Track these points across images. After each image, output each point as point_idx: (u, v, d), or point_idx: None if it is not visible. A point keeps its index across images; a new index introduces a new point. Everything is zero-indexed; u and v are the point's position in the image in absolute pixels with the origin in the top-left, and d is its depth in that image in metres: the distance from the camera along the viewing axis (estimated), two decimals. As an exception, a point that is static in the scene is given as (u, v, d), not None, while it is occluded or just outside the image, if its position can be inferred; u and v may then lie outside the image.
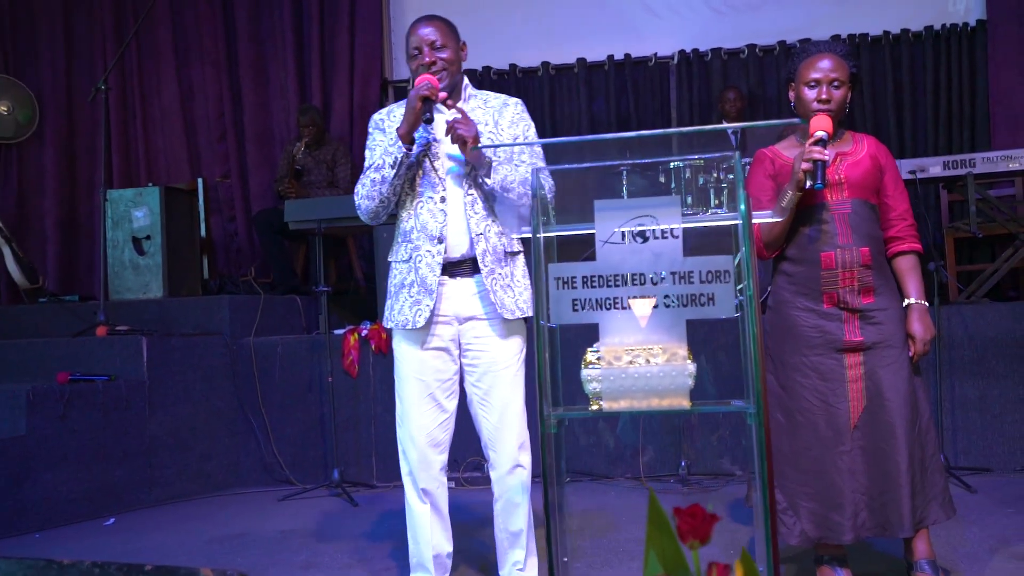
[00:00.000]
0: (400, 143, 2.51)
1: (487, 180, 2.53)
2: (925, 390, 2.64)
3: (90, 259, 6.57)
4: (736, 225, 1.89)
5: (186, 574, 1.41)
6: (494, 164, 2.53)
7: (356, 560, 3.36)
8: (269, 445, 4.96)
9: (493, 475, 2.70)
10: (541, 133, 6.58)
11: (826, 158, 2.42)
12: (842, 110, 2.60)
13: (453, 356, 2.65)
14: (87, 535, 4.03)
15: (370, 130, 2.72)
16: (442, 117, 2.60)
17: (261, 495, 4.73)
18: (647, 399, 1.79)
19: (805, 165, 2.42)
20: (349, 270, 6.31)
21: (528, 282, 2.70)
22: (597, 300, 1.81)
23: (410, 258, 2.61)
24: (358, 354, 4.88)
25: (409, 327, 2.59)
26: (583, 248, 1.93)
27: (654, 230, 1.79)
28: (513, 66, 6.69)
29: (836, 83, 2.56)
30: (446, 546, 2.72)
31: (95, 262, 5.77)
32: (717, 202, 5.55)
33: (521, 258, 2.72)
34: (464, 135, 2.46)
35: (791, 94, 2.66)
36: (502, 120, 2.68)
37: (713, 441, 4.54)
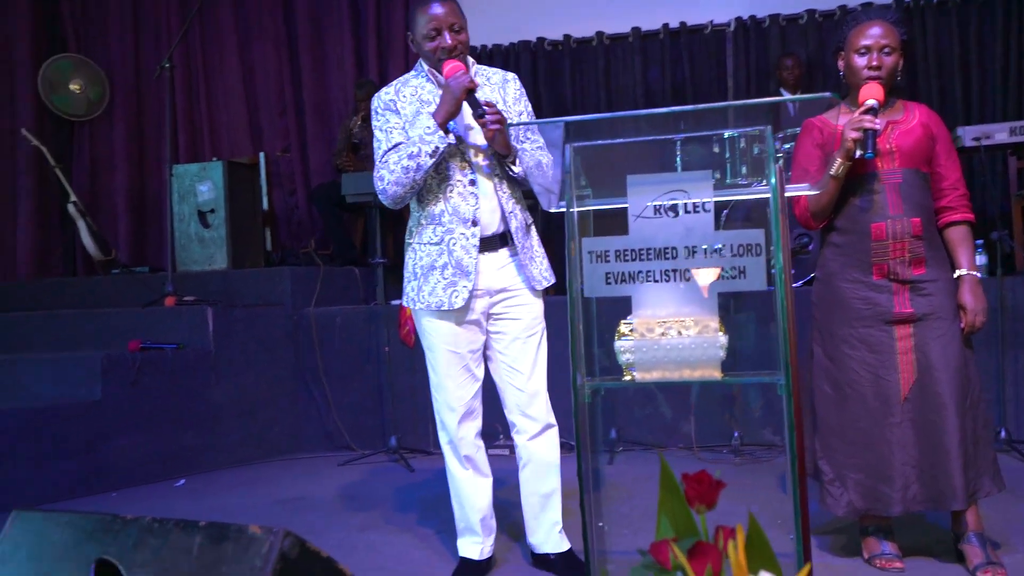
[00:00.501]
0: (440, 132, 2.51)
1: (514, 167, 2.58)
2: (976, 363, 2.61)
3: (159, 232, 6.81)
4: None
5: (236, 531, 1.52)
6: (517, 151, 2.58)
7: (410, 522, 3.48)
8: (330, 412, 5.12)
9: (521, 439, 2.75)
10: (595, 104, 6.61)
11: (877, 127, 2.40)
12: (893, 78, 2.56)
13: (483, 327, 2.71)
14: (159, 495, 4.24)
15: (379, 111, 2.67)
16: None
17: (322, 460, 4.89)
18: (679, 370, 1.84)
19: (854, 134, 2.41)
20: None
21: (543, 252, 2.78)
22: (629, 273, 1.85)
23: (441, 240, 2.63)
24: (414, 324, 4.98)
25: (445, 308, 2.62)
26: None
27: (686, 204, 1.82)
28: (567, 36, 6.67)
29: (887, 50, 2.52)
30: (489, 508, 2.81)
31: (163, 235, 5.98)
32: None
33: (534, 229, 2.78)
34: (499, 126, 2.50)
35: (840, 63, 2.64)
36: (507, 97, 2.71)
37: (755, 412, 4.55)
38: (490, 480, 2.83)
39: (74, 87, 6.87)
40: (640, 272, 1.85)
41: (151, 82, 6.91)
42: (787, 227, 1.79)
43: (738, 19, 6.41)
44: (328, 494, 4.04)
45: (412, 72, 2.73)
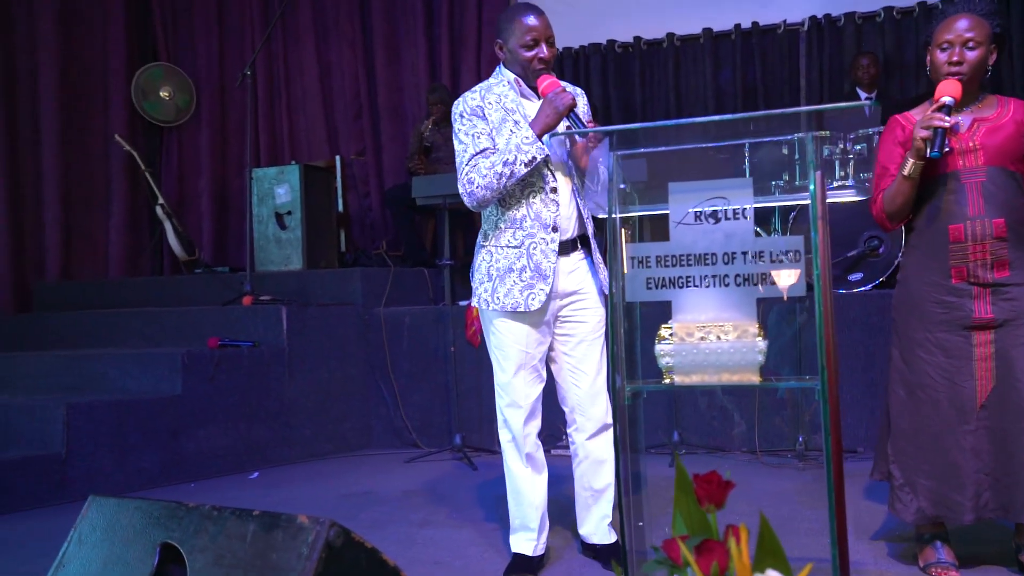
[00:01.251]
0: (539, 143, 2.61)
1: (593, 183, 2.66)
2: None
3: (240, 233, 7.07)
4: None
5: (286, 520, 1.62)
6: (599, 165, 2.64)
7: (469, 519, 3.56)
8: (398, 410, 5.25)
9: (579, 437, 2.82)
10: (664, 106, 6.60)
11: (946, 125, 2.34)
12: (978, 73, 2.48)
13: (551, 328, 2.80)
14: (234, 487, 4.41)
15: (465, 115, 2.74)
16: (535, 106, 2.72)
17: (390, 456, 5.02)
18: (718, 374, 1.87)
19: (924, 133, 2.37)
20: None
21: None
22: (670, 279, 1.89)
23: (521, 244, 2.71)
24: (480, 325, 5.07)
25: (521, 310, 2.70)
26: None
27: (726, 211, 1.85)
28: (637, 39, 6.68)
29: (971, 44, 2.44)
30: (544, 505, 2.88)
31: (243, 236, 6.22)
32: (843, 174, 5.40)
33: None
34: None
35: (928, 59, 2.56)
36: (577, 110, 2.75)
37: (806, 416, 4.49)
38: (546, 476, 2.89)
39: (164, 94, 7.19)
40: (680, 277, 1.89)
41: (235, 88, 7.18)
42: (827, 233, 1.80)
43: (812, 18, 6.32)
44: (393, 490, 4.16)
45: (494, 79, 2.82)
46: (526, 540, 2.87)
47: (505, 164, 2.62)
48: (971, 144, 2.47)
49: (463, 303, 5.19)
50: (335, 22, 7.27)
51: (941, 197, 2.49)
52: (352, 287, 5.48)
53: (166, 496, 4.13)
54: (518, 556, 2.87)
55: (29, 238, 6.55)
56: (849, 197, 2.07)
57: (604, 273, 2.79)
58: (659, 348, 1.91)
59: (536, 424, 2.84)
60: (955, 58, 2.45)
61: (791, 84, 6.38)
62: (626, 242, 1.94)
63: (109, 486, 4.18)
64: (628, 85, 6.68)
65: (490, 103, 2.74)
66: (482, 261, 2.81)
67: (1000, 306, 2.46)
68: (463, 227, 6.44)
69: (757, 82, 6.42)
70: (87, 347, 5.31)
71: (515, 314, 2.74)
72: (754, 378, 1.85)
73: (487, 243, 2.81)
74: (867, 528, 3.11)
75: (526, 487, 2.85)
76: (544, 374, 2.84)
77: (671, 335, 1.90)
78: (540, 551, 2.87)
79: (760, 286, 1.84)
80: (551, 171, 2.72)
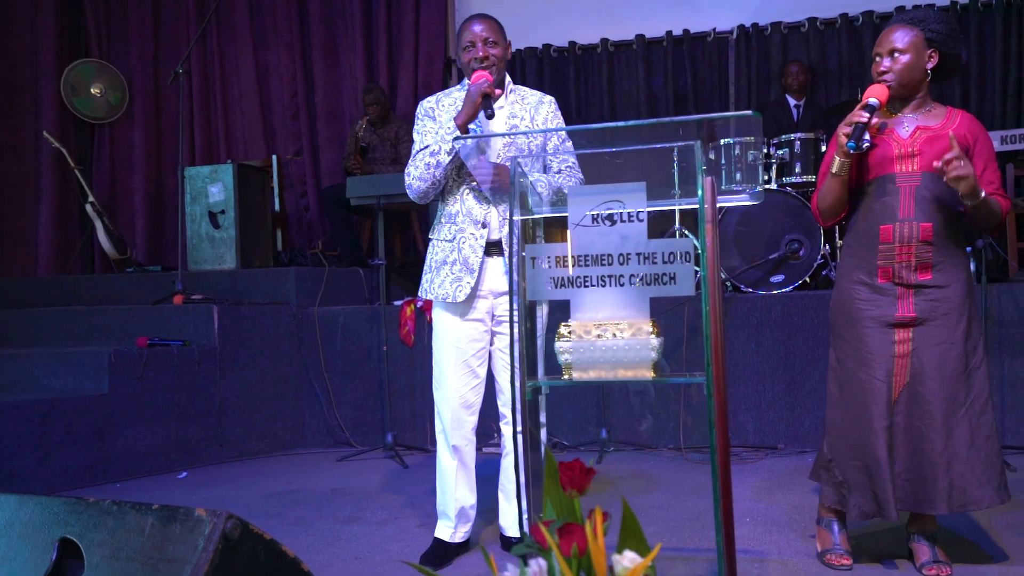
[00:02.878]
0: (458, 132, 2.72)
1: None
2: (987, 372, 2.58)
3: (174, 232, 7.00)
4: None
5: (184, 513, 1.65)
6: (533, 184, 2.68)
7: (394, 516, 3.60)
8: (331, 409, 5.26)
9: (508, 431, 2.93)
10: (599, 110, 6.71)
11: (863, 120, 2.44)
12: (911, 78, 2.55)
13: (487, 326, 2.88)
14: (161, 486, 4.39)
15: (419, 116, 2.92)
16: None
17: (322, 455, 5.04)
18: (614, 370, 1.94)
19: (845, 129, 2.47)
20: (413, 244, 6.56)
21: None
22: (568, 278, 1.96)
23: (454, 238, 2.84)
24: (414, 324, 5.12)
25: (449, 300, 2.83)
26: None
27: (621, 213, 1.93)
28: (572, 43, 6.78)
29: (897, 52, 2.54)
30: (469, 499, 2.97)
31: (178, 235, 6.17)
32: (766, 178, 5.54)
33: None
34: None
35: None
36: (537, 116, 2.89)
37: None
38: (471, 474, 2.98)
39: (95, 91, 7.09)
40: (578, 277, 1.96)
41: (169, 86, 7.11)
42: (715, 235, 1.89)
43: (740, 27, 6.49)
44: (322, 488, 4.18)
45: (456, 86, 2.94)
46: (444, 527, 2.97)
47: (432, 155, 2.78)
48: (910, 150, 2.55)
49: (397, 303, 5.23)
50: (272, 24, 7.25)
51: (876, 199, 2.58)
52: (286, 286, 5.48)
53: (92, 495, 4.09)
54: (436, 541, 2.97)
55: (-45, 236, 6.43)
56: (685, 206, 2.11)
57: None
58: (558, 345, 1.98)
59: (468, 419, 2.92)
60: (881, 68, 2.56)
61: (721, 90, 6.54)
62: (526, 243, 2.01)
63: (32, 485, 4.14)
64: (563, 89, 6.78)
65: (444, 106, 2.87)
66: (428, 254, 2.96)
67: (921, 306, 2.54)
68: (399, 227, 6.48)
69: (688, 88, 6.56)
70: (13, 346, 5.22)
71: (448, 306, 2.87)
72: (648, 374, 1.93)
73: (431, 236, 2.96)
74: (798, 526, 3.19)
75: (448, 477, 2.94)
76: (481, 372, 2.91)
77: (570, 332, 1.97)
78: (458, 539, 2.96)
79: (653, 286, 1.92)
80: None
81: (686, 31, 6.57)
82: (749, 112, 1.78)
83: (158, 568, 1.59)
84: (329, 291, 5.54)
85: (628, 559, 1.11)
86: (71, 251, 6.94)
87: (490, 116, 2.69)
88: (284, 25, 7.21)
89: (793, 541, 3.00)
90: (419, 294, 2.97)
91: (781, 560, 2.81)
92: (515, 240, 1.93)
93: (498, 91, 2.79)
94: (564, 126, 2.94)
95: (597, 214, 1.94)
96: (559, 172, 2.82)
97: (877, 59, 2.59)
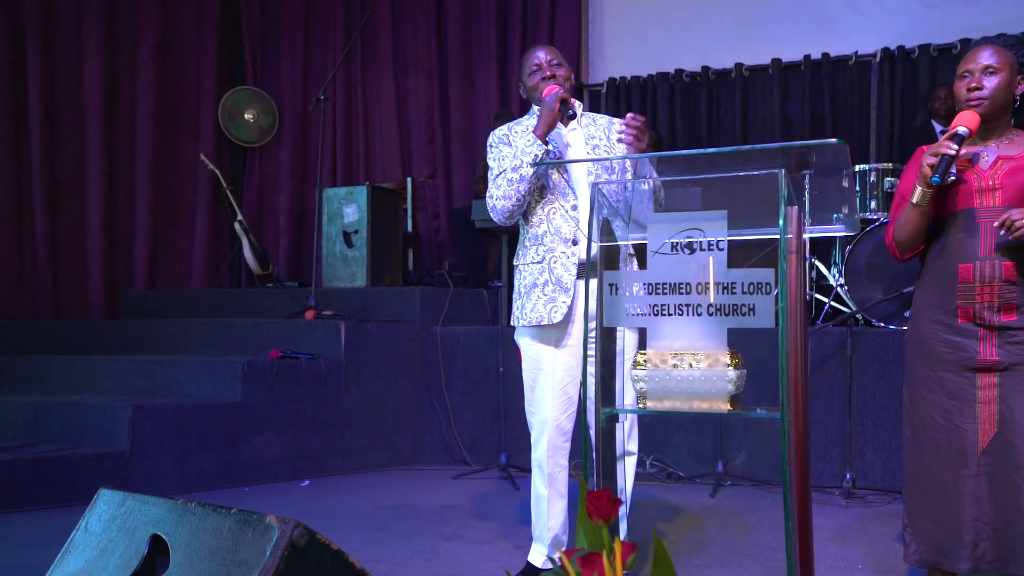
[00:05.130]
0: (539, 142, 2.75)
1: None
2: None
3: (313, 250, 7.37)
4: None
5: (257, 519, 1.74)
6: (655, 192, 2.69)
7: (496, 536, 3.63)
8: (450, 427, 5.36)
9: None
10: (731, 136, 6.58)
11: (951, 152, 2.30)
12: (1002, 101, 2.42)
13: (580, 351, 2.84)
14: (285, 493, 4.60)
15: (493, 144, 2.95)
16: (563, 131, 2.84)
17: (439, 472, 5.14)
18: (689, 401, 1.91)
19: (931, 160, 2.34)
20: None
21: None
22: (646, 306, 1.94)
23: (543, 259, 2.83)
24: (528, 346, 5.15)
25: (545, 323, 2.80)
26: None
27: (701, 242, 1.90)
28: (706, 68, 6.69)
29: (991, 70, 2.40)
30: (562, 525, 2.95)
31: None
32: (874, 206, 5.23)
33: (635, 260, 2.87)
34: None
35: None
36: (612, 137, 2.89)
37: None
38: (564, 501, 2.95)
39: (248, 116, 7.57)
40: (656, 305, 1.94)
41: (316, 111, 7.50)
42: (799, 267, 1.83)
43: (885, 49, 6.21)
44: (432, 504, 4.26)
45: (525, 116, 2.99)
46: (537, 552, 2.97)
47: (514, 170, 2.78)
48: (991, 183, 2.41)
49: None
50: (413, 51, 7.54)
51: (954, 235, 2.44)
52: (411, 305, 5.64)
53: (222, 498, 4.34)
54: (528, 565, 2.98)
55: (120, 249, 6.98)
56: (850, 231, 2.06)
57: None
58: (634, 373, 1.96)
59: (563, 447, 2.89)
60: (973, 84, 2.41)
61: (861, 115, 6.29)
62: (607, 269, 2.00)
63: (169, 485, 4.42)
64: (695, 114, 6.69)
65: (517, 132, 2.90)
66: (516, 280, 2.95)
67: (1006, 349, 2.39)
68: (524, 250, 6.54)
69: (826, 113, 6.34)
70: (162, 353, 5.61)
71: (541, 331, 2.84)
72: (724, 406, 1.89)
73: (517, 262, 2.96)
74: (880, 571, 3.04)
75: (542, 505, 2.93)
76: (575, 398, 2.88)
77: (646, 361, 1.95)
78: (550, 565, 2.93)
79: (731, 316, 1.87)
80: (573, 189, 2.81)
81: (825, 54, 6.36)
82: (834, 140, 1.72)
83: (230, 570, 1.68)
84: (452, 311, 5.66)
85: (653, 595, 1.09)
86: (221, 266, 7.41)
87: (571, 117, 2.73)
88: (424, 51, 7.49)
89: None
90: (512, 323, 2.96)
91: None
92: (596, 265, 1.92)
93: (574, 99, 2.80)
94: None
95: (676, 242, 1.91)
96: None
97: (966, 77, 2.44)
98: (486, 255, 6.62)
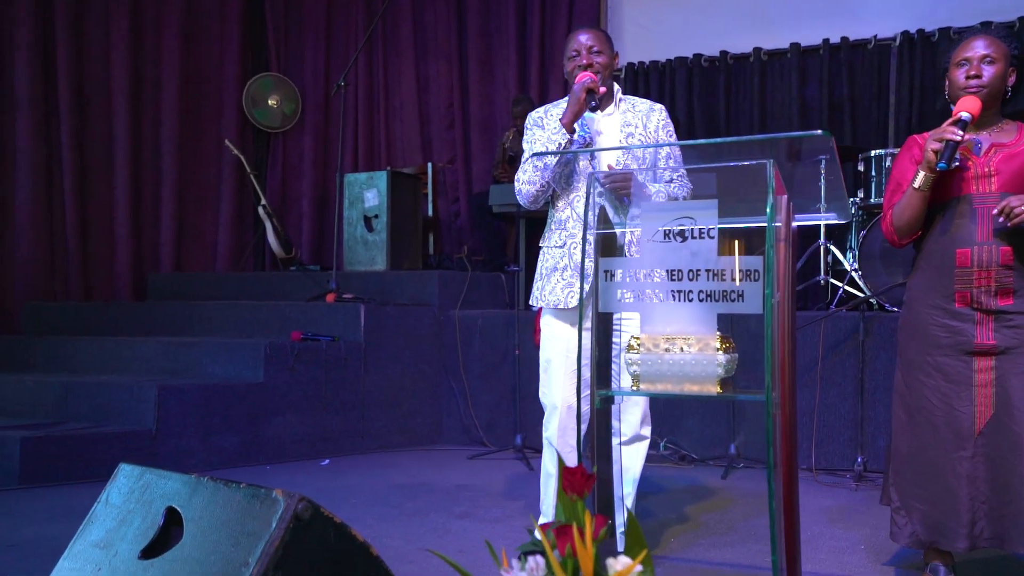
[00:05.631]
0: (563, 131, 2.79)
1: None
2: None
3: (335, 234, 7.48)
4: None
5: (265, 493, 1.83)
6: (647, 192, 2.72)
7: (507, 515, 3.73)
8: (467, 408, 5.47)
9: (615, 441, 2.92)
10: (748, 120, 6.58)
11: (957, 138, 2.35)
12: (997, 91, 2.48)
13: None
14: (305, 472, 4.72)
15: (528, 127, 3.02)
16: (598, 117, 2.89)
17: (456, 452, 5.25)
18: (680, 384, 1.98)
19: (935, 145, 2.38)
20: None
21: None
22: (639, 292, 2.01)
23: (564, 244, 2.91)
24: (545, 329, 5.22)
25: (561, 307, 2.89)
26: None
27: (692, 230, 1.96)
28: (724, 52, 6.68)
29: (988, 59, 2.45)
30: None
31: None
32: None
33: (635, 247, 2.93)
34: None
35: (946, 83, 2.58)
36: (649, 124, 2.91)
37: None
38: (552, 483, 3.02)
39: (272, 102, 7.68)
40: (648, 291, 2.00)
41: (337, 97, 7.59)
42: (787, 255, 1.89)
43: (905, 33, 6.17)
44: (447, 483, 4.36)
45: (565, 97, 2.99)
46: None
47: (538, 157, 2.84)
48: (987, 169, 2.46)
49: (534, 308, 5.35)
50: (433, 38, 7.60)
51: (951, 220, 2.49)
52: (430, 289, 5.73)
53: (243, 476, 4.46)
54: (534, 539, 3.02)
55: (147, 233, 7.14)
56: (841, 220, 2.12)
57: None
58: (628, 357, 2.03)
59: (572, 428, 2.92)
60: (972, 72, 2.46)
61: (880, 100, 6.26)
62: (603, 255, 2.07)
63: (192, 463, 4.56)
64: (713, 99, 6.70)
65: (552, 115, 2.94)
66: (539, 262, 3.03)
67: (1003, 333, 2.44)
68: (540, 234, 6.60)
69: (844, 97, 6.32)
70: (187, 335, 5.76)
71: (559, 313, 2.93)
72: (713, 389, 1.95)
73: (542, 244, 3.04)
74: (881, 553, 3.09)
75: (550, 484, 3.01)
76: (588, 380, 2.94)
77: (639, 345, 2.01)
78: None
79: (720, 302, 1.93)
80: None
81: (844, 39, 6.33)
82: (819, 132, 1.77)
83: (239, 540, 1.78)
84: (470, 295, 5.75)
85: (621, 563, 1.16)
86: (245, 250, 7.55)
87: (594, 109, 2.74)
88: (444, 38, 7.55)
89: (897, 574, 2.88)
90: (531, 302, 3.05)
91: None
92: (589, 253, 1.99)
93: (603, 88, 2.80)
94: (672, 139, 2.94)
95: (669, 230, 1.97)
96: (670, 181, 2.84)
97: (963, 65, 2.48)
98: (504, 239, 6.69)
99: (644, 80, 6.91)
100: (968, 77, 2.46)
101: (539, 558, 1.22)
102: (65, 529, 2.06)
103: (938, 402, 2.50)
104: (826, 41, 6.39)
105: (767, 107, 6.58)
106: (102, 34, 6.88)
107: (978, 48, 2.47)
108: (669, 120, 2.98)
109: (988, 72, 2.45)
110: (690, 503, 3.97)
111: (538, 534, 1.23)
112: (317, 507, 1.79)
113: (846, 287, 5.03)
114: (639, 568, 1.14)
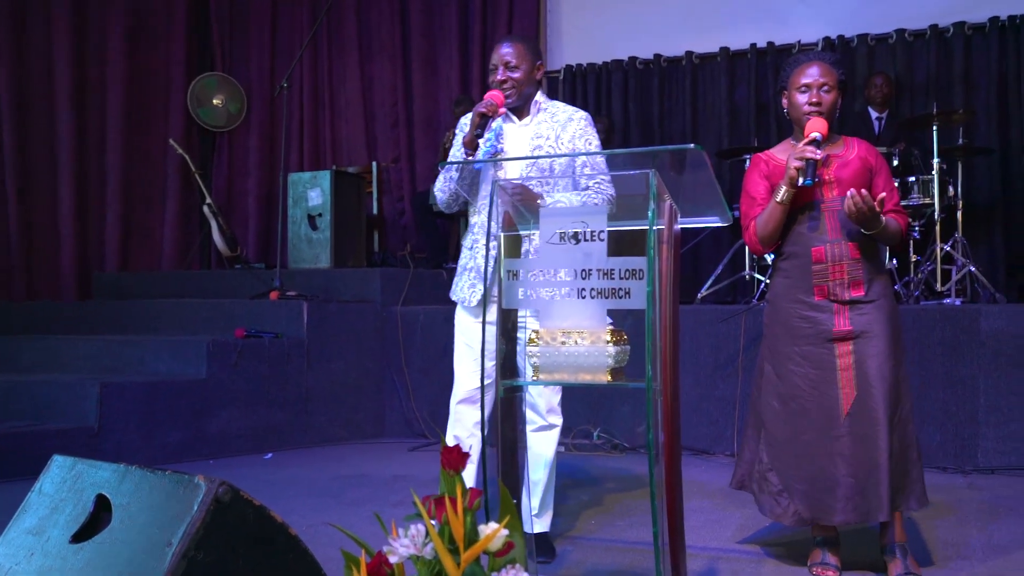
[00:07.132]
0: (464, 149, 2.94)
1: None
2: (907, 381, 2.78)
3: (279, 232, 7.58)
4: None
5: (188, 478, 1.98)
6: (544, 201, 2.88)
7: (440, 503, 3.89)
8: (409, 402, 5.62)
9: (526, 428, 3.09)
10: (681, 122, 6.82)
11: (817, 157, 2.64)
12: (832, 114, 2.78)
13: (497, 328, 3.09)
14: (248, 465, 4.84)
15: (456, 133, 3.16)
16: (513, 128, 3.04)
17: (397, 445, 5.40)
18: (575, 373, 2.16)
19: (797, 163, 2.65)
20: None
21: None
22: (538, 290, 2.19)
23: (472, 247, 3.09)
24: (485, 325, 5.40)
25: (465, 304, 3.08)
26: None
27: (585, 233, 2.14)
28: (658, 56, 6.91)
29: (826, 87, 2.74)
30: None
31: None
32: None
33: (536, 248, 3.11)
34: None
35: (784, 101, 2.86)
36: (563, 134, 3.02)
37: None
38: (474, 467, 3.02)
39: (216, 101, 7.75)
40: (546, 289, 2.18)
41: (283, 97, 7.68)
42: (670, 255, 2.08)
43: (826, 38, 6.46)
44: (385, 474, 4.52)
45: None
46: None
47: (446, 169, 3.03)
48: (828, 178, 2.76)
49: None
50: (377, 38, 7.73)
51: (804, 224, 2.78)
52: (373, 286, 5.87)
53: (187, 469, 4.55)
54: None
55: (92, 232, 7.17)
56: (722, 223, 2.32)
57: None
58: (529, 349, 2.21)
59: (472, 415, 3.08)
60: (814, 99, 2.74)
61: (804, 102, 6.51)
62: (508, 257, 2.24)
63: (136, 459, 4.64)
64: (647, 101, 6.93)
65: (464, 126, 3.07)
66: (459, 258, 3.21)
67: (856, 320, 2.73)
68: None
69: (770, 99, 6.58)
70: (131, 333, 5.83)
71: (466, 308, 3.11)
72: (604, 378, 2.14)
73: (462, 242, 3.21)
74: (745, 528, 3.32)
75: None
76: (491, 372, 3.11)
77: (539, 338, 2.19)
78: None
79: (610, 299, 2.12)
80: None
81: (770, 43, 6.60)
82: (691, 146, 1.96)
83: (163, 523, 1.92)
84: (412, 291, 5.90)
85: (490, 527, 1.34)
86: (190, 248, 7.62)
87: (478, 136, 2.87)
88: (388, 38, 7.68)
89: (783, 552, 3.08)
90: (450, 296, 3.21)
91: (773, 570, 2.92)
92: (491, 255, 2.16)
93: (502, 109, 2.93)
94: (591, 147, 3.07)
95: (564, 232, 2.15)
96: (587, 189, 3.00)
97: (805, 91, 2.75)
98: (447, 237, 6.85)
99: (582, 82, 7.11)
100: (811, 104, 2.75)
101: (420, 525, 1.39)
102: (3, 523, 2.17)
103: (809, 389, 2.76)
104: (753, 46, 6.65)
105: (699, 109, 6.82)
106: (44, 34, 6.90)
107: (816, 76, 2.75)
108: (588, 128, 3.07)
109: (827, 99, 2.75)
110: (616, 489, 4.17)
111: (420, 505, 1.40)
112: (237, 491, 1.94)
113: (768, 280, 5.27)
114: (505, 532, 1.31)
